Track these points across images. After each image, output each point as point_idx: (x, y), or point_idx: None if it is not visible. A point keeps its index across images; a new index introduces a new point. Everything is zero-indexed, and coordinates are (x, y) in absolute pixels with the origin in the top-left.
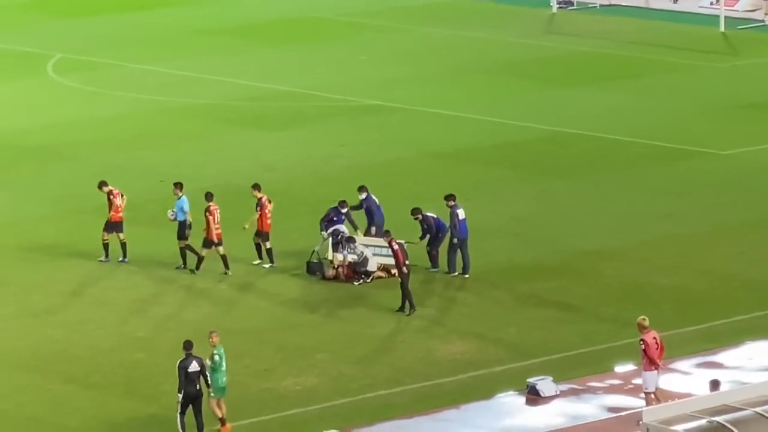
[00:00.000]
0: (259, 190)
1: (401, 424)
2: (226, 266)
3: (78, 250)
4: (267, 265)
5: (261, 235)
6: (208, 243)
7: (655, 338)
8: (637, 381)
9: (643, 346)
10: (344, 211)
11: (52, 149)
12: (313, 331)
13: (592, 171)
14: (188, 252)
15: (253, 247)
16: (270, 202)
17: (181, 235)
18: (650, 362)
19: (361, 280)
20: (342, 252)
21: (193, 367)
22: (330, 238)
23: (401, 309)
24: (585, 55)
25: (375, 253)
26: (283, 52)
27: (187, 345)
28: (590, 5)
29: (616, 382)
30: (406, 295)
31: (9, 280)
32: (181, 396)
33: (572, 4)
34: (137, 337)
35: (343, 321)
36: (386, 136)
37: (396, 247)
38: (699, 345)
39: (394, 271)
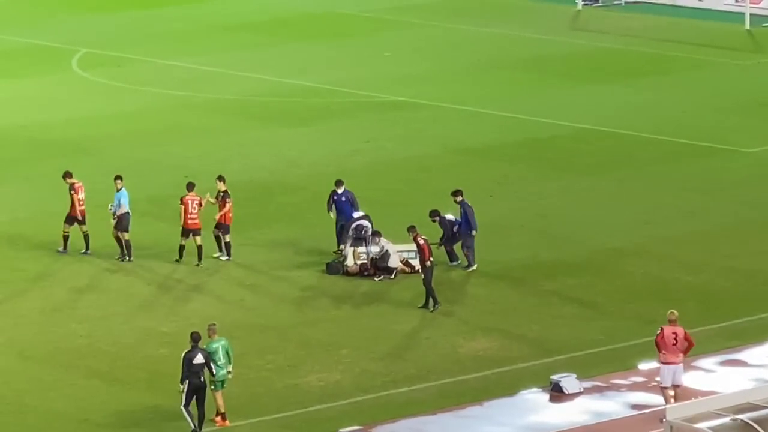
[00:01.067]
0: (224, 182)
1: (424, 421)
2: (199, 258)
3: (102, 245)
4: (224, 258)
5: (221, 227)
6: (184, 231)
7: (675, 333)
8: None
9: (656, 336)
10: (340, 191)
11: (76, 144)
12: (336, 328)
13: (616, 168)
14: (123, 245)
15: (213, 239)
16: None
17: (124, 227)
18: (658, 353)
19: (383, 276)
20: (364, 247)
21: (198, 359)
22: (352, 233)
23: (425, 305)
24: (610, 52)
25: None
26: (307, 48)
27: (195, 336)
28: (615, 2)
29: (639, 379)
30: (429, 291)
31: (33, 275)
32: (183, 386)
33: (597, 1)
34: (161, 332)
35: (366, 317)
36: (410, 132)
37: (422, 242)
38: (723, 342)
39: (417, 266)
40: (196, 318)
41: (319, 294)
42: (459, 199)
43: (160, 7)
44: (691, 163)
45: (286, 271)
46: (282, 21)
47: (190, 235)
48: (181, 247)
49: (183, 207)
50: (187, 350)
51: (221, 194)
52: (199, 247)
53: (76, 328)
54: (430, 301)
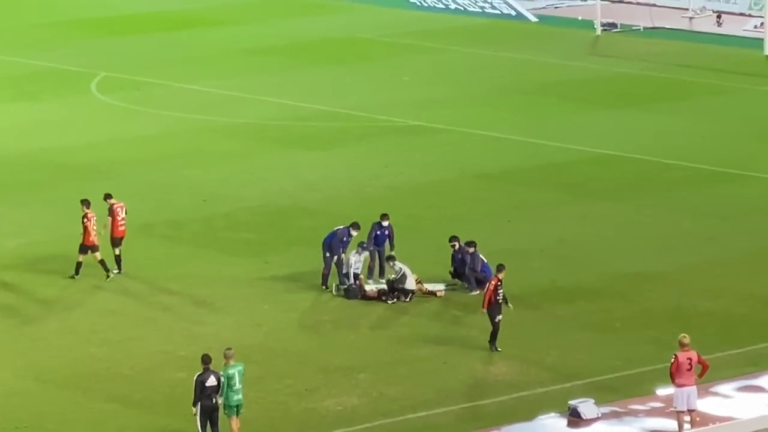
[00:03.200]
0: (111, 198)
1: None
2: (106, 269)
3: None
4: (115, 271)
5: (113, 241)
6: (83, 248)
7: (689, 359)
8: None
9: (671, 366)
10: (386, 224)
11: (96, 167)
12: (354, 352)
13: (635, 193)
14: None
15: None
16: (122, 208)
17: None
18: (672, 379)
19: (395, 300)
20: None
21: (211, 381)
22: (362, 256)
23: (491, 343)
24: (628, 77)
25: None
26: (326, 72)
27: (206, 359)
28: (634, 27)
29: (657, 405)
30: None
31: (51, 298)
32: (196, 410)
33: (616, 27)
34: (179, 356)
35: (384, 341)
36: (429, 157)
37: (493, 282)
38: (741, 368)
39: (438, 290)
40: (213, 342)
41: (337, 318)
42: (471, 250)
43: (179, 30)
44: (709, 188)
45: (304, 295)
46: (301, 45)
47: (88, 251)
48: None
49: (88, 223)
50: (199, 373)
51: (110, 209)
52: (101, 261)
53: (94, 352)
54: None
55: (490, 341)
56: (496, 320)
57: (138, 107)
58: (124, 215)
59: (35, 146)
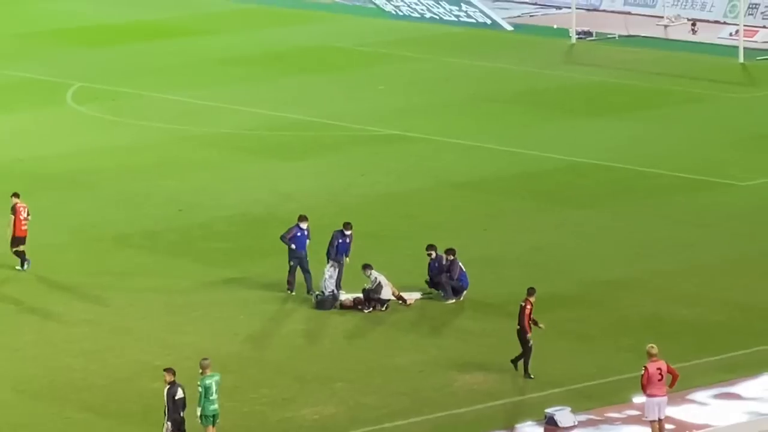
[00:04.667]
0: (18, 197)
1: None
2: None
3: (96, 279)
4: (18, 267)
5: (13, 240)
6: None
7: (659, 369)
8: None
9: (642, 377)
10: (348, 233)
11: (71, 178)
12: (330, 361)
13: (611, 201)
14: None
15: (12, 253)
16: (25, 209)
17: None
18: (643, 390)
19: (371, 308)
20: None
21: (179, 394)
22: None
23: (520, 363)
24: (604, 85)
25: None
26: (302, 81)
27: (172, 372)
28: (609, 36)
29: (634, 413)
30: (524, 352)
31: (27, 308)
32: (168, 425)
33: (591, 35)
34: (155, 366)
35: (360, 350)
36: (405, 166)
37: (528, 307)
38: (718, 375)
39: (409, 299)
40: (190, 351)
41: (313, 327)
42: (451, 257)
43: (155, 40)
44: (685, 196)
45: (280, 305)
46: (277, 54)
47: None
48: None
49: (15, 215)
50: (168, 387)
51: (13, 207)
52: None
53: (70, 362)
54: (521, 362)
55: (524, 367)
56: (530, 344)
57: (113, 117)
58: (26, 215)
59: (11, 156)
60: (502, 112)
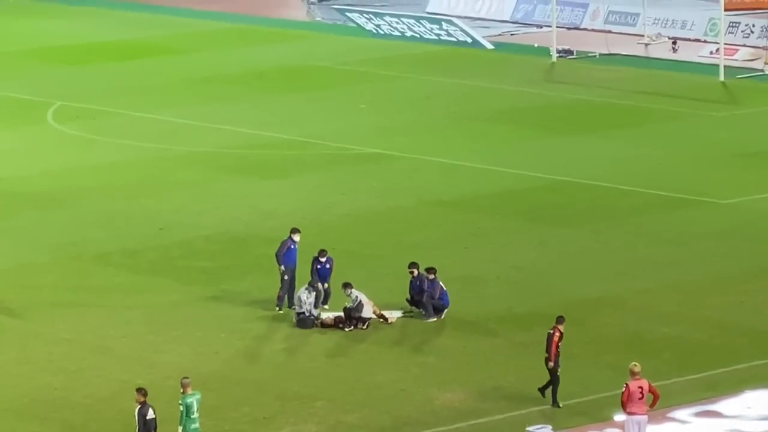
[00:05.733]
0: None
1: None
2: None
3: (77, 297)
4: None
5: None
6: None
7: (640, 387)
8: None
9: (622, 395)
10: (323, 259)
11: (52, 196)
12: (311, 379)
13: (592, 220)
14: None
15: None
16: None
17: None
18: (623, 408)
19: (352, 327)
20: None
21: (150, 414)
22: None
23: (550, 391)
24: (585, 104)
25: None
26: (282, 100)
27: (143, 392)
28: (590, 54)
29: (615, 431)
30: (552, 381)
31: (8, 327)
32: None
33: (572, 53)
34: (136, 385)
35: (341, 369)
36: (386, 184)
37: (556, 335)
38: (698, 393)
39: (390, 317)
40: (170, 370)
41: (294, 346)
42: (431, 277)
43: (135, 59)
44: (666, 214)
45: (261, 323)
46: (257, 73)
47: None
48: None
49: None
50: (138, 407)
51: None
52: None
53: (51, 381)
54: (549, 391)
55: (552, 396)
56: (558, 372)
57: (94, 136)
58: None
59: None
60: (483, 131)
